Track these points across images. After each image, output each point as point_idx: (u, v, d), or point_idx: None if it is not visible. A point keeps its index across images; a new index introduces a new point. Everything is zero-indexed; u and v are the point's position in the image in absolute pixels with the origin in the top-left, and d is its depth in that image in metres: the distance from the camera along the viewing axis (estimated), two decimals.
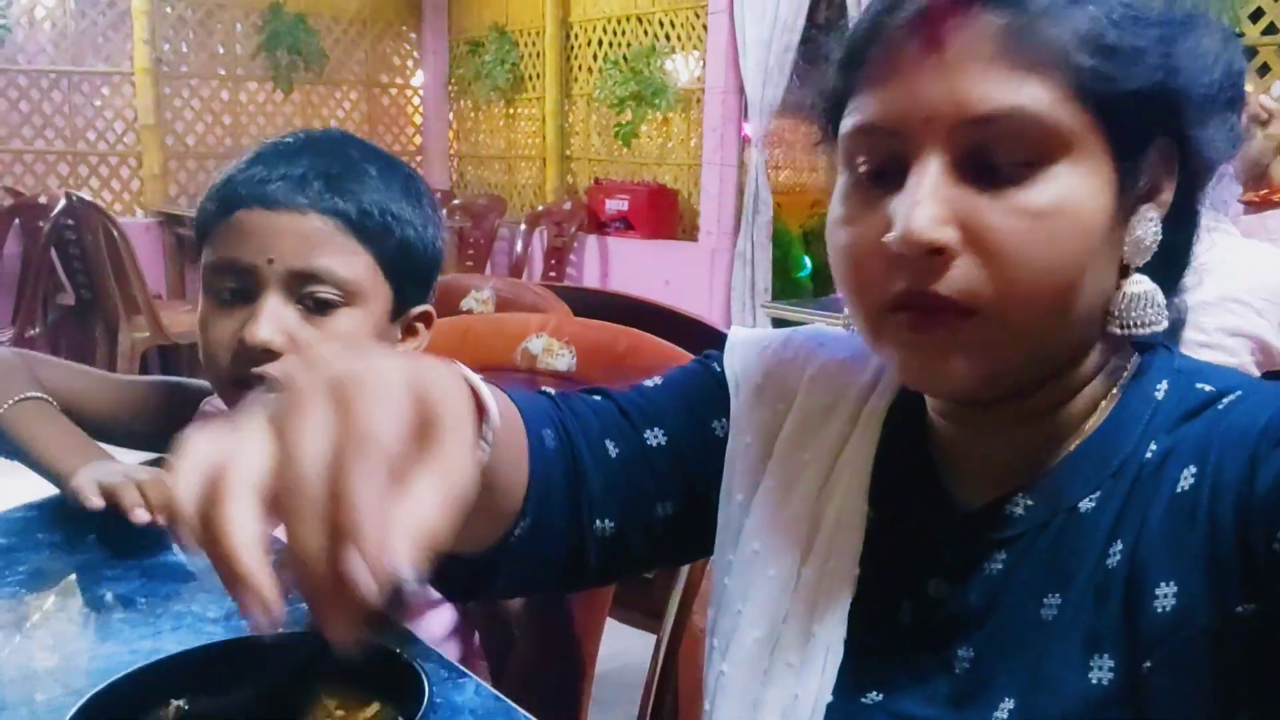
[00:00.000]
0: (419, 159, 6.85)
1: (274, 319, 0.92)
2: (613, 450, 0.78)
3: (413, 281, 1.02)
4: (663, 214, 5.30)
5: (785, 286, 5.52)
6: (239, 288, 0.94)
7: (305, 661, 0.59)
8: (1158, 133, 0.62)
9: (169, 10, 5.77)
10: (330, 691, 0.59)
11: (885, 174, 0.62)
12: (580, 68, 5.76)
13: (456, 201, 5.93)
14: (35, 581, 0.86)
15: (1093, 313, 0.63)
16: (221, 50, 6.01)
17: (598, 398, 0.81)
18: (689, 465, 0.80)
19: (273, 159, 0.97)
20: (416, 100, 6.81)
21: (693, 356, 1.28)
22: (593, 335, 1.38)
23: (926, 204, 0.59)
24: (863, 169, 0.64)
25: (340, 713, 0.58)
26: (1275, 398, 0.60)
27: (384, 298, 0.99)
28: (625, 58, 5.34)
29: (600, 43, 5.59)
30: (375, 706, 0.58)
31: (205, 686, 0.58)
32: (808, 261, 6.11)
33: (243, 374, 0.92)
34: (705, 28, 4.91)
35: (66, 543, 0.93)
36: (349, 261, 0.95)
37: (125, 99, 5.74)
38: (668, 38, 5.21)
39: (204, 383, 1.16)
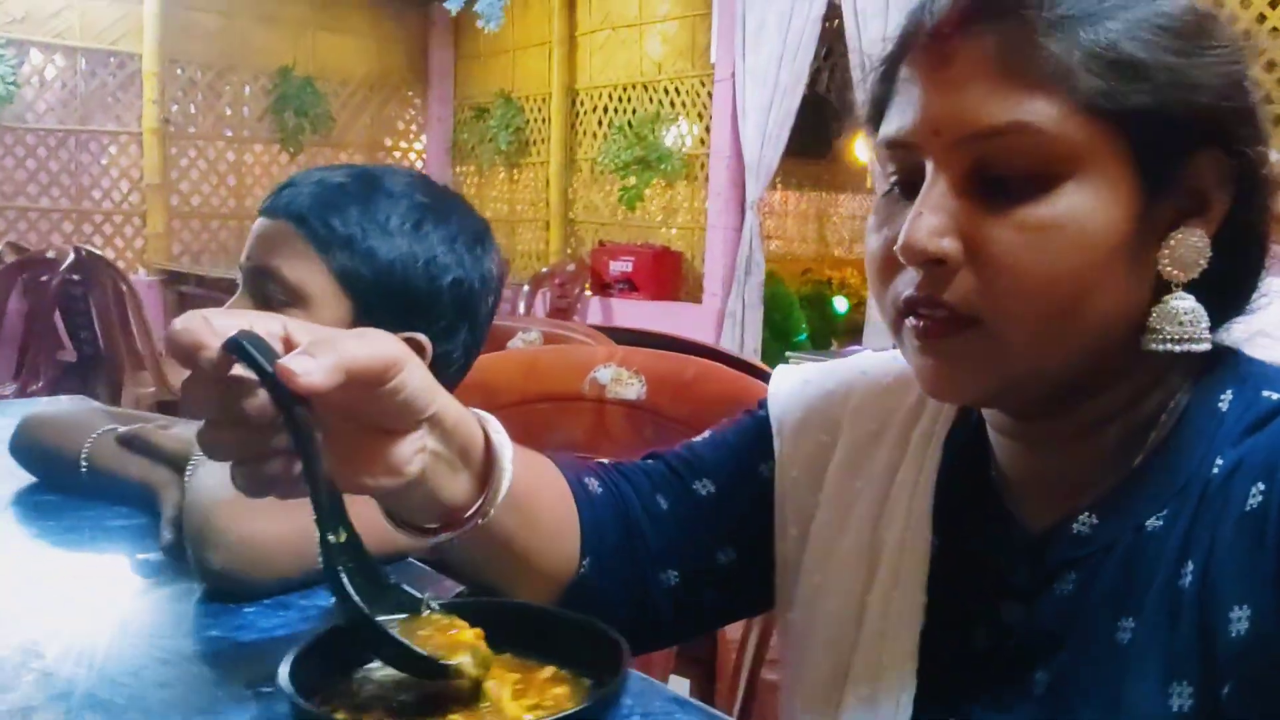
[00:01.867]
0: None
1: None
2: (664, 503, 0.79)
3: (385, 303, 1.00)
4: (666, 275, 5.35)
5: (785, 349, 5.56)
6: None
7: (490, 627, 0.59)
8: (1198, 146, 0.61)
9: (179, 72, 5.85)
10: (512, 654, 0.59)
11: (912, 184, 0.64)
12: (585, 133, 5.86)
13: None
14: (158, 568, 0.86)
15: (1115, 327, 0.62)
16: (229, 112, 6.09)
17: (649, 461, 0.83)
18: (742, 511, 0.81)
19: (288, 181, 1.03)
20: (420, 164, 6.90)
21: (757, 383, 1.30)
22: (661, 364, 1.39)
23: (927, 216, 0.60)
24: (893, 178, 0.66)
25: (514, 676, 0.57)
26: None
27: (340, 310, 0.98)
28: (630, 124, 5.44)
29: (606, 109, 5.69)
30: (550, 670, 0.58)
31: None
32: (804, 326, 6.17)
33: None
34: (710, 95, 5.02)
35: None
36: (300, 265, 0.97)
37: (132, 158, 5.79)
38: (673, 104, 5.31)
39: None
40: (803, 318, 6.05)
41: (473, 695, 0.54)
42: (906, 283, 0.63)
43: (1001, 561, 0.69)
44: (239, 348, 0.49)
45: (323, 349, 0.50)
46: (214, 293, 5.33)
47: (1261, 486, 0.57)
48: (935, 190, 0.61)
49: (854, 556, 0.76)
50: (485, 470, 0.64)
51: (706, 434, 0.86)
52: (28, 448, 1.07)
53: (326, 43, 6.34)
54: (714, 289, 5.03)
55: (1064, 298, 0.59)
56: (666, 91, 5.34)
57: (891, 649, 0.71)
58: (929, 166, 0.62)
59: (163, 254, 5.79)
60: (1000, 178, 0.60)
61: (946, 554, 0.72)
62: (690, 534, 0.80)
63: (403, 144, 6.86)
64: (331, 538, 0.53)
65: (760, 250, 4.84)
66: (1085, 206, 0.59)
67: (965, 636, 0.69)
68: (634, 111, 5.48)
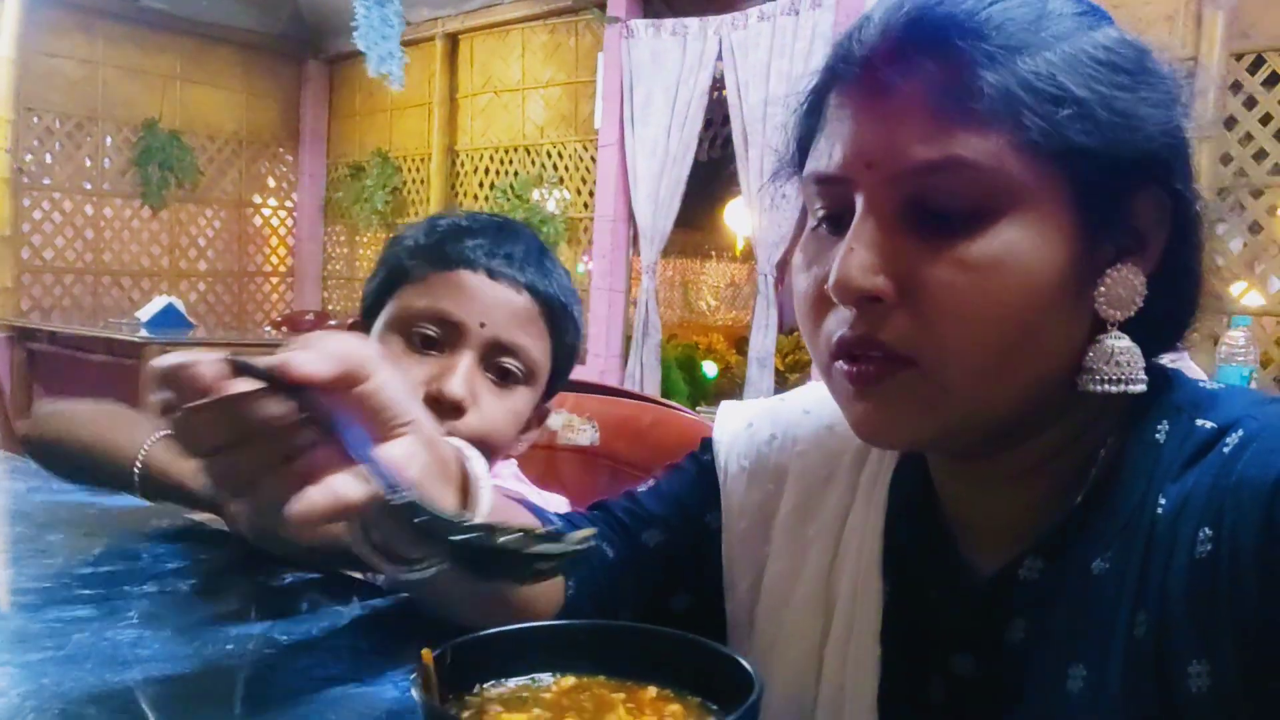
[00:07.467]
0: (290, 279, 6.72)
1: (469, 379, 0.97)
2: (610, 552, 0.79)
3: (561, 376, 1.09)
4: None
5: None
6: (438, 338, 0.99)
7: (622, 651, 0.57)
8: (1138, 185, 0.59)
9: (36, 120, 5.57)
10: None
11: (841, 220, 0.62)
12: (466, 194, 5.84)
13: (333, 323, 5.83)
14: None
15: (1053, 367, 0.60)
16: (89, 163, 5.81)
17: (595, 512, 0.83)
18: (691, 559, 0.80)
19: (491, 233, 1.03)
20: (291, 221, 6.73)
21: (711, 426, 1.32)
22: (616, 410, 1.40)
23: (860, 252, 0.58)
24: (820, 214, 0.64)
25: (620, 695, 0.56)
26: None
27: (544, 384, 1.05)
28: (513, 186, 5.46)
29: (487, 170, 5.69)
30: (652, 689, 0.56)
31: (518, 667, 0.56)
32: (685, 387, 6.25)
33: None
34: (594, 160, 5.08)
35: None
36: (539, 344, 1.03)
37: None
38: (555, 168, 5.36)
39: None
40: (681, 379, 6.13)
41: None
42: (839, 322, 0.61)
43: (952, 610, 0.68)
44: (239, 363, 0.51)
45: (310, 346, 0.51)
46: (65, 349, 5.03)
47: (1209, 532, 0.55)
48: (867, 225, 0.59)
49: (809, 607, 0.75)
50: (465, 486, 0.63)
51: (650, 483, 0.85)
52: (57, 443, 0.98)
53: (195, 95, 6.15)
54: (597, 350, 5.05)
55: (1004, 338, 0.57)
56: (549, 155, 5.39)
57: (852, 704, 0.70)
58: (860, 201, 0.60)
59: (10, 309, 5.44)
60: (936, 213, 0.58)
61: (899, 601, 0.71)
62: (642, 581, 0.79)
63: (272, 201, 6.68)
64: (395, 499, 0.52)
65: (657, 313, 4.90)
66: (1024, 244, 0.57)
67: (922, 689, 0.68)
68: (516, 174, 5.51)
